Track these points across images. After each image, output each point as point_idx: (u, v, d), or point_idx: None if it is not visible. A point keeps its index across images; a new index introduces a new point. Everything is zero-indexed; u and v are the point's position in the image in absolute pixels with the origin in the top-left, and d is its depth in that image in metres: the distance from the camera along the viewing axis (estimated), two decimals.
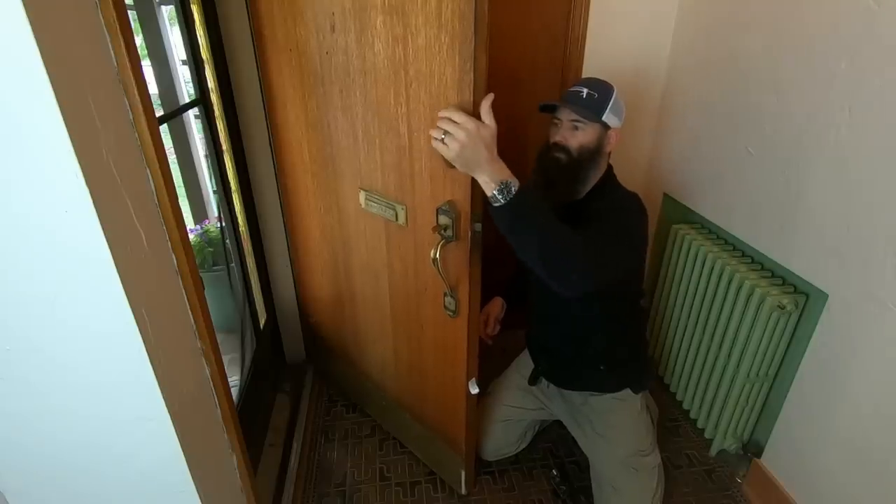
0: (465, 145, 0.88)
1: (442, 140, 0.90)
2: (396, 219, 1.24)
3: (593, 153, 1.20)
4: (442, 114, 0.91)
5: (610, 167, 1.29)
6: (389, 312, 1.45)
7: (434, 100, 1.00)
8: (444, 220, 1.07)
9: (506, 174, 0.94)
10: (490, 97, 0.91)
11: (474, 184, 0.99)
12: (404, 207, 1.21)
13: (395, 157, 1.17)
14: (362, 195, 1.32)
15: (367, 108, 1.19)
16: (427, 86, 1.00)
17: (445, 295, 1.19)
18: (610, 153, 1.26)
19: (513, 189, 0.93)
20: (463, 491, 1.51)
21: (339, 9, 1.13)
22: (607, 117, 1.18)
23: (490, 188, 0.93)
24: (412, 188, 1.16)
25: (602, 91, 1.19)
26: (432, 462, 1.60)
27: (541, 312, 1.46)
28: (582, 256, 1.01)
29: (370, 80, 1.14)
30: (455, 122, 0.89)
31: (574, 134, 1.19)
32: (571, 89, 1.21)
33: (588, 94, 1.18)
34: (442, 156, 0.93)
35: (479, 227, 1.06)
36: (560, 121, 1.22)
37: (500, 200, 0.93)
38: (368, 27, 1.08)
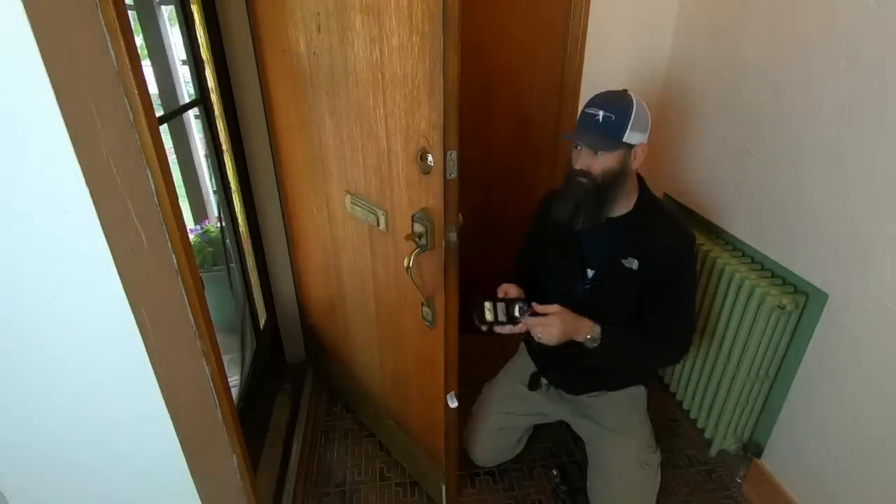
0: (559, 333, 1.16)
1: (539, 336, 1.18)
2: (378, 224, 1.21)
3: (617, 176, 1.16)
4: (532, 322, 1.18)
5: (642, 179, 1.26)
6: (375, 320, 1.43)
7: (409, 103, 0.97)
8: (418, 227, 1.05)
9: (587, 327, 1.20)
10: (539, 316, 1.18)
11: (448, 192, 0.97)
12: (385, 213, 1.18)
13: (375, 160, 1.15)
14: (348, 198, 1.30)
15: (349, 110, 1.17)
16: (401, 88, 0.98)
17: (423, 305, 1.16)
18: (637, 168, 1.21)
19: (597, 339, 1.20)
20: None
21: (323, 9, 1.12)
22: (628, 137, 1.11)
23: (582, 340, 1.21)
24: (391, 193, 1.14)
25: (619, 109, 1.11)
26: (416, 473, 1.58)
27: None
28: (671, 355, 1.30)
29: (352, 82, 1.12)
30: (543, 323, 1.16)
31: (595, 159, 1.15)
32: (586, 111, 1.15)
33: (604, 116, 1.11)
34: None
35: (454, 236, 1.02)
36: (580, 146, 1.17)
37: (591, 346, 1.21)
38: (349, 28, 1.06)
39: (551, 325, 1.15)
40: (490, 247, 2.02)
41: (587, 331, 1.19)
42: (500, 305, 1.18)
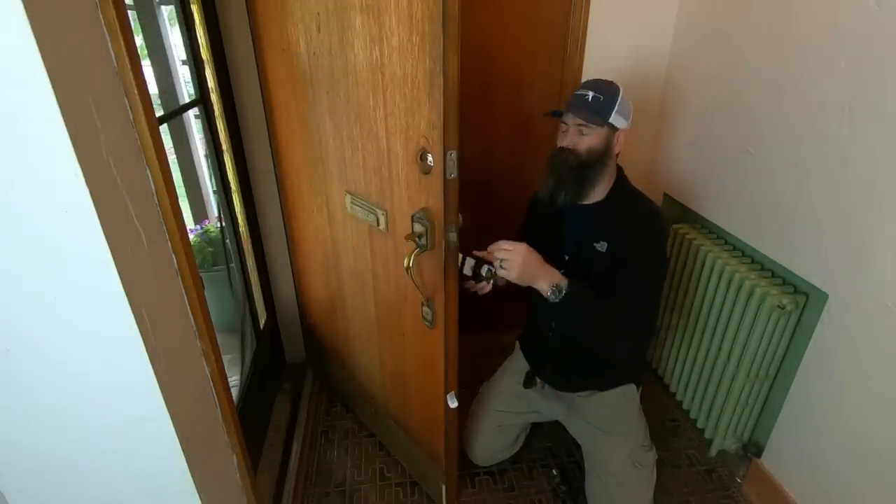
0: (521, 265, 1.10)
1: (501, 266, 1.11)
2: (378, 224, 1.21)
3: (601, 155, 1.21)
4: (494, 246, 1.12)
5: (620, 169, 1.29)
6: (375, 320, 1.43)
7: (408, 103, 0.98)
8: (418, 227, 1.05)
9: (556, 277, 1.14)
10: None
11: (448, 192, 0.97)
12: (384, 213, 1.19)
13: (375, 160, 1.15)
14: (348, 198, 1.30)
15: (349, 110, 1.17)
16: (401, 88, 0.98)
17: (423, 305, 1.17)
18: (618, 154, 1.25)
19: (563, 289, 1.13)
20: None
21: (323, 9, 1.12)
22: (614, 119, 1.18)
23: (546, 292, 1.14)
24: (391, 193, 1.14)
25: (607, 93, 1.18)
26: (416, 473, 1.58)
27: (559, 326, 1.42)
28: (629, 336, 1.21)
29: (352, 82, 1.12)
30: (506, 249, 1.10)
31: (581, 138, 1.20)
32: (577, 92, 1.21)
33: (593, 97, 1.18)
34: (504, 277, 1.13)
35: (454, 236, 1.03)
36: (567, 125, 1.22)
37: (555, 299, 1.13)
38: (349, 28, 1.06)
39: (516, 253, 1.10)
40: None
41: (554, 280, 1.13)
42: (470, 261, 1.17)
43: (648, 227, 1.24)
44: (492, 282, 1.18)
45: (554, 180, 1.24)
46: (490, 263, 1.16)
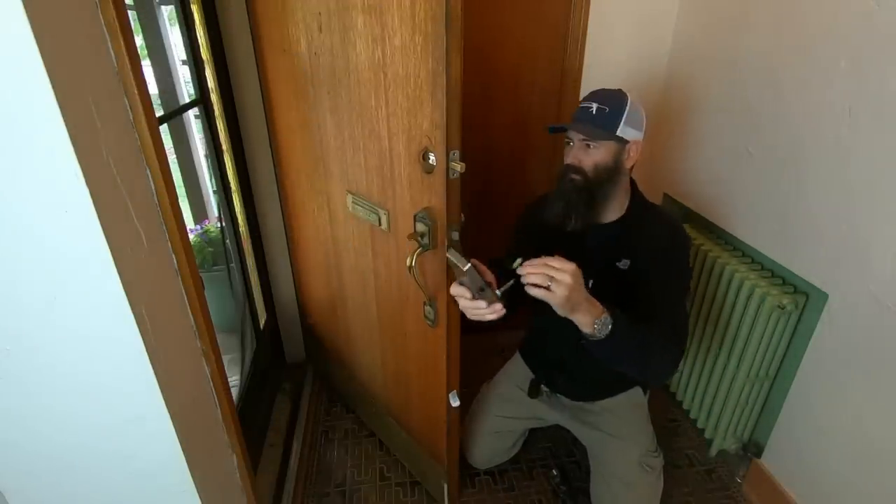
0: (572, 288, 0.91)
1: (548, 288, 0.91)
2: (380, 223, 1.21)
3: (611, 172, 1.12)
4: (538, 262, 0.92)
5: (633, 183, 1.23)
6: (376, 320, 1.43)
7: (411, 103, 0.98)
8: (420, 227, 1.05)
9: (599, 310, 0.98)
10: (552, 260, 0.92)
11: (451, 191, 0.97)
12: (386, 212, 1.19)
13: (377, 160, 1.15)
14: (349, 198, 1.30)
15: (351, 110, 1.17)
16: (404, 88, 0.98)
17: (425, 304, 1.16)
18: (632, 168, 1.18)
19: (609, 324, 0.97)
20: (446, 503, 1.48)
21: (324, 9, 1.12)
22: (623, 131, 1.10)
23: (587, 327, 0.98)
24: (393, 193, 1.14)
25: (613, 103, 1.11)
26: (417, 472, 1.58)
27: (574, 341, 1.31)
28: (676, 357, 1.12)
29: (353, 82, 1.12)
30: (556, 267, 0.90)
31: (587, 153, 1.12)
32: (581, 105, 1.14)
33: (598, 108, 1.10)
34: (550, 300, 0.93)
35: (456, 235, 1.02)
36: (571, 140, 1.15)
37: (599, 335, 0.98)
38: (351, 27, 1.06)
39: (567, 273, 0.90)
40: (490, 244, 2.01)
41: (598, 315, 0.97)
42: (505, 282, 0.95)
43: (674, 238, 1.19)
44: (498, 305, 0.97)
45: (563, 203, 1.14)
46: (516, 280, 0.95)
